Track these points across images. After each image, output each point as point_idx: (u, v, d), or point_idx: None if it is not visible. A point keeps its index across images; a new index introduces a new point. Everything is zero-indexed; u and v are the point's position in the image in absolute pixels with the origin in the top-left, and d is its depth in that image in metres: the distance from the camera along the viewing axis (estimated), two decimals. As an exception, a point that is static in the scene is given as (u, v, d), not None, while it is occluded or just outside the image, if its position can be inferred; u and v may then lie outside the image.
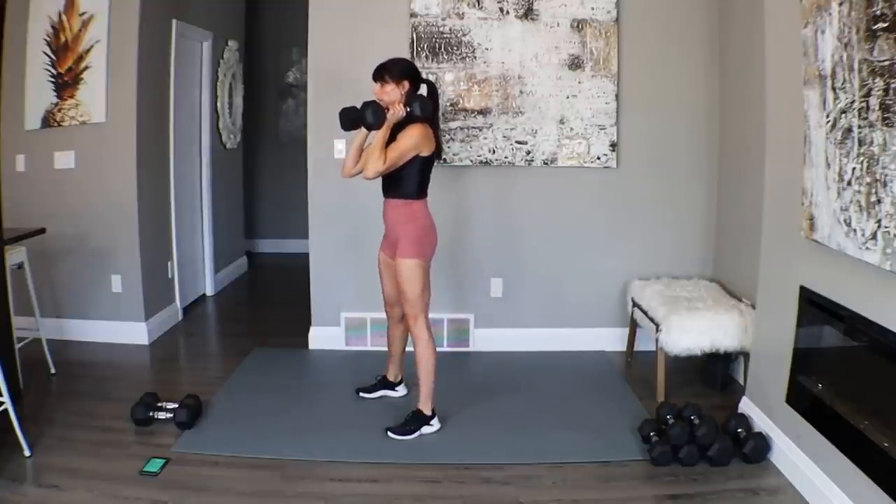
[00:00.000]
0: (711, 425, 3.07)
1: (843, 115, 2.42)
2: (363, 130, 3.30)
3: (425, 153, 3.22)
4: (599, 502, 2.78)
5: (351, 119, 3.26)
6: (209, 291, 5.86)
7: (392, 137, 3.19)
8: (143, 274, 4.54)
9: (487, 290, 4.44)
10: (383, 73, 3.24)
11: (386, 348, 3.73)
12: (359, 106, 3.24)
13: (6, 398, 2.96)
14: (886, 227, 2.19)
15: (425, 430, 3.31)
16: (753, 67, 3.67)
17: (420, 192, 3.31)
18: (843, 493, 2.50)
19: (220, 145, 6.05)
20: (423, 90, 3.33)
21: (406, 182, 3.27)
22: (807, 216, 2.70)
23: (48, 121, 4.44)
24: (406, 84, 3.23)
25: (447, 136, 4.27)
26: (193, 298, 5.53)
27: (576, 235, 4.43)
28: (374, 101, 3.21)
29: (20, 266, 3.88)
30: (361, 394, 3.73)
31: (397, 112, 3.18)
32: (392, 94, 3.22)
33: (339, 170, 4.19)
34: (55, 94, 4.42)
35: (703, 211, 4.42)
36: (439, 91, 4.20)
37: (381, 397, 3.73)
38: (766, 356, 3.19)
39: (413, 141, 3.16)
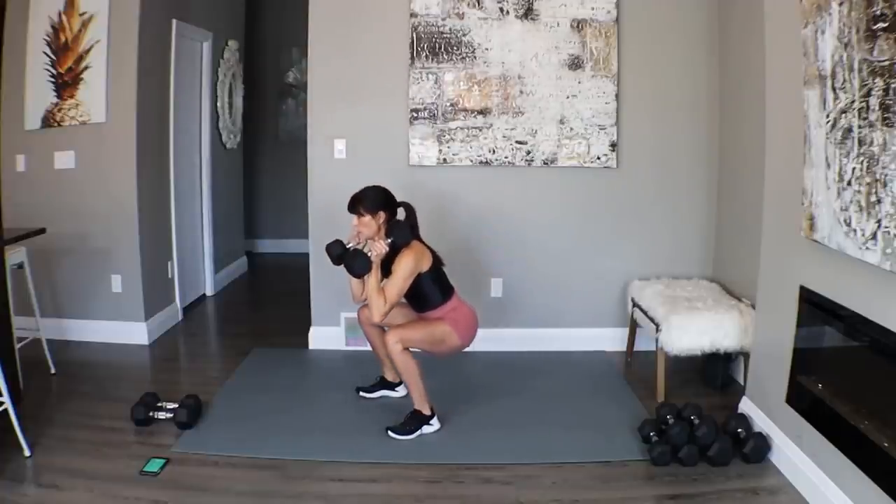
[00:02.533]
0: (711, 425, 3.07)
1: (843, 115, 2.42)
2: None
3: (425, 268, 3.26)
4: (599, 502, 2.78)
5: (337, 255, 3.29)
6: (209, 291, 5.86)
7: (387, 265, 3.23)
8: (143, 274, 4.54)
9: (487, 290, 4.44)
10: (357, 205, 3.27)
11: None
12: (343, 242, 3.29)
13: (6, 398, 2.96)
14: (886, 227, 2.19)
15: (425, 429, 3.31)
16: (753, 67, 3.67)
17: (445, 294, 3.36)
18: (843, 494, 2.50)
19: (220, 145, 6.05)
20: (401, 213, 3.36)
21: (428, 296, 3.34)
22: (807, 216, 2.70)
23: (48, 121, 4.44)
24: (382, 215, 3.26)
25: (447, 136, 4.27)
26: (193, 298, 5.53)
27: (576, 235, 4.43)
28: (356, 251, 3.23)
29: (20, 266, 3.88)
30: (361, 394, 3.73)
31: (380, 249, 3.20)
32: (370, 226, 3.25)
33: (338, 170, 4.21)
34: (55, 94, 4.42)
35: (703, 211, 4.42)
36: (439, 91, 4.23)
37: (380, 397, 3.73)
38: (766, 356, 3.19)
39: (408, 269, 3.19)
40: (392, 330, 3.23)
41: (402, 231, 3.26)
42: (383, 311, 3.18)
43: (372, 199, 3.28)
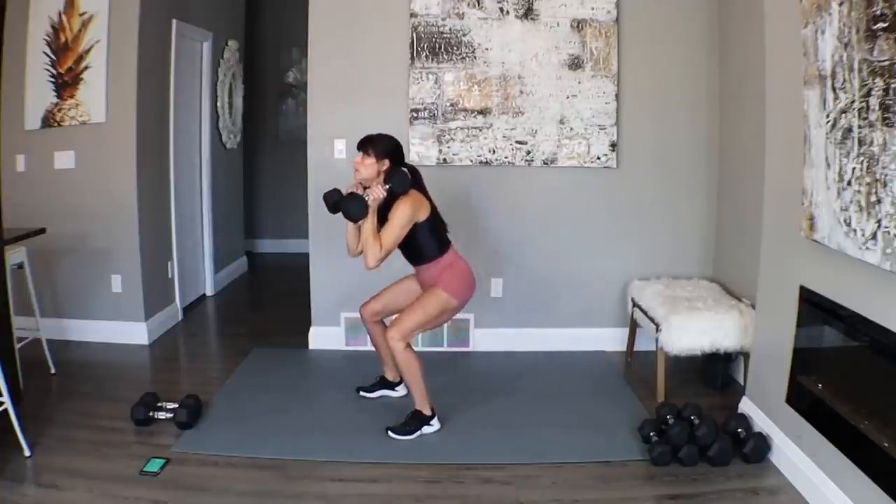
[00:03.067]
0: (711, 425, 3.07)
1: (843, 115, 2.42)
2: None
3: (423, 218, 3.22)
4: (599, 502, 2.78)
5: (333, 202, 3.25)
6: (209, 291, 5.86)
7: (383, 214, 3.19)
8: (143, 274, 4.54)
9: (487, 290, 4.44)
10: (367, 145, 3.23)
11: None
12: (340, 190, 3.25)
13: (6, 398, 2.96)
14: (886, 227, 2.19)
15: (425, 430, 3.31)
16: (753, 67, 3.67)
17: (441, 247, 3.32)
18: (843, 494, 2.50)
19: (220, 145, 6.05)
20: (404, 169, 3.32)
21: (424, 247, 3.30)
22: (807, 216, 2.70)
23: (48, 121, 4.44)
24: (386, 163, 3.23)
25: (447, 136, 4.27)
26: (193, 298, 5.53)
27: (576, 235, 4.43)
28: (352, 195, 3.19)
29: (20, 266, 3.88)
30: (361, 393, 3.73)
31: (377, 194, 3.16)
32: (370, 169, 3.21)
33: (338, 170, 4.20)
34: (55, 94, 4.42)
35: (703, 211, 4.42)
36: (439, 91, 4.23)
37: (380, 397, 3.73)
38: (766, 356, 3.19)
39: (405, 216, 3.15)
40: (392, 326, 3.23)
41: (402, 179, 3.19)
42: (378, 257, 3.12)
43: (383, 145, 3.24)
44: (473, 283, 3.37)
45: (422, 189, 3.32)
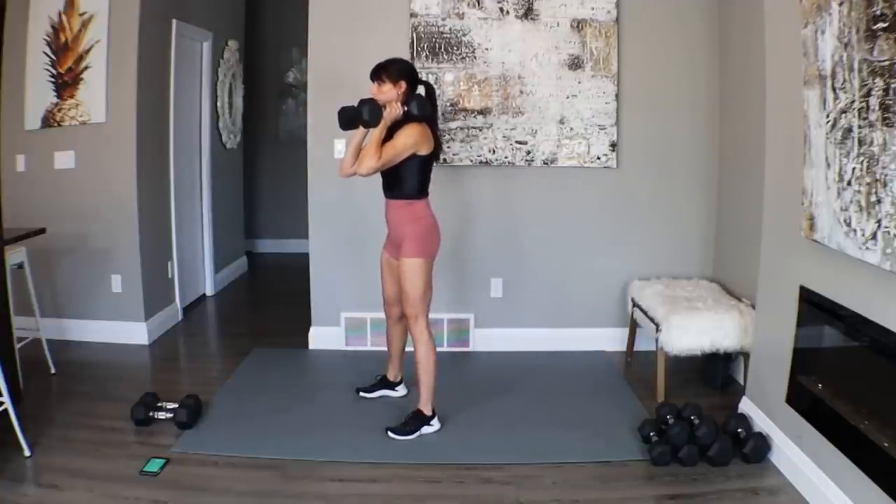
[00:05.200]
0: (711, 425, 3.07)
1: (843, 115, 2.42)
2: (362, 129, 3.29)
3: (423, 152, 3.22)
4: (599, 502, 2.78)
5: (348, 117, 3.26)
6: (209, 291, 5.86)
7: (390, 137, 3.19)
8: (143, 274, 4.54)
9: (487, 290, 4.44)
10: (380, 72, 3.23)
11: (385, 348, 3.73)
12: (357, 105, 3.24)
13: (6, 398, 2.96)
14: (886, 227, 2.19)
15: (425, 430, 3.31)
16: (753, 67, 3.67)
17: (421, 191, 3.31)
18: (843, 494, 2.50)
19: (220, 145, 6.05)
20: (422, 91, 3.33)
21: (406, 182, 3.27)
22: (807, 216, 2.70)
23: (48, 121, 4.44)
24: (403, 84, 3.23)
25: (447, 136, 4.27)
26: (193, 298, 5.53)
27: (576, 235, 4.43)
28: (371, 99, 3.22)
29: (20, 266, 3.88)
30: (361, 393, 3.73)
31: (394, 111, 3.18)
32: (389, 94, 3.22)
33: (338, 170, 4.19)
34: (55, 94, 4.42)
35: (703, 211, 4.42)
36: (439, 91, 4.22)
37: (380, 397, 3.73)
38: (766, 356, 3.19)
39: (410, 140, 3.16)
40: (405, 314, 3.29)
41: (422, 103, 3.20)
42: (373, 167, 3.12)
43: (396, 67, 3.24)
44: (438, 237, 3.36)
45: (434, 117, 3.33)
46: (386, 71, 3.23)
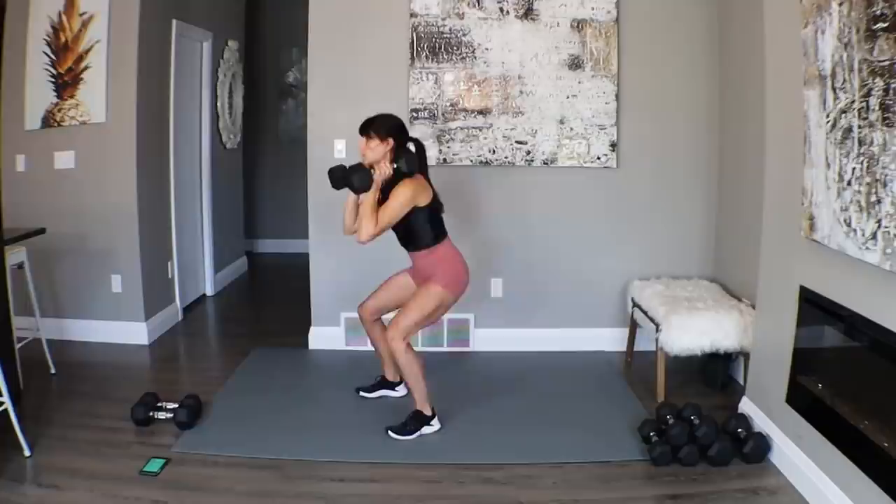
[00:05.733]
0: (711, 425, 3.07)
1: (843, 115, 2.42)
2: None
3: (423, 203, 3.21)
4: (599, 502, 2.78)
5: (338, 178, 3.25)
6: (209, 291, 5.86)
7: (385, 195, 3.18)
8: (143, 274, 4.54)
9: (487, 290, 4.44)
10: (369, 128, 3.22)
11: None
12: (346, 165, 3.24)
13: (6, 398, 2.96)
14: (886, 227, 2.19)
15: (425, 430, 3.31)
16: (753, 67, 3.67)
17: (437, 237, 3.31)
18: (843, 494, 2.50)
19: (220, 145, 6.05)
20: (411, 147, 3.31)
21: (419, 233, 3.28)
22: (807, 216, 2.70)
23: (48, 121, 4.44)
24: (391, 141, 3.21)
25: (447, 136, 4.27)
26: (193, 298, 5.53)
27: (576, 235, 4.43)
28: (359, 165, 3.19)
29: (20, 266, 3.87)
30: (361, 393, 3.73)
31: (383, 172, 3.16)
32: (376, 151, 3.20)
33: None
34: (55, 94, 4.42)
35: (703, 211, 4.42)
36: (439, 91, 4.23)
37: (380, 397, 3.73)
38: (766, 356, 3.19)
39: (404, 197, 3.14)
40: (391, 326, 3.23)
41: (410, 162, 3.19)
42: (372, 233, 3.10)
43: (384, 124, 3.23)
44: (468, 276, 3.37)
45: (425, 172, 3.32)
46: (375, 127, 3.21)
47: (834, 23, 2.46)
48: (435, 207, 3.29)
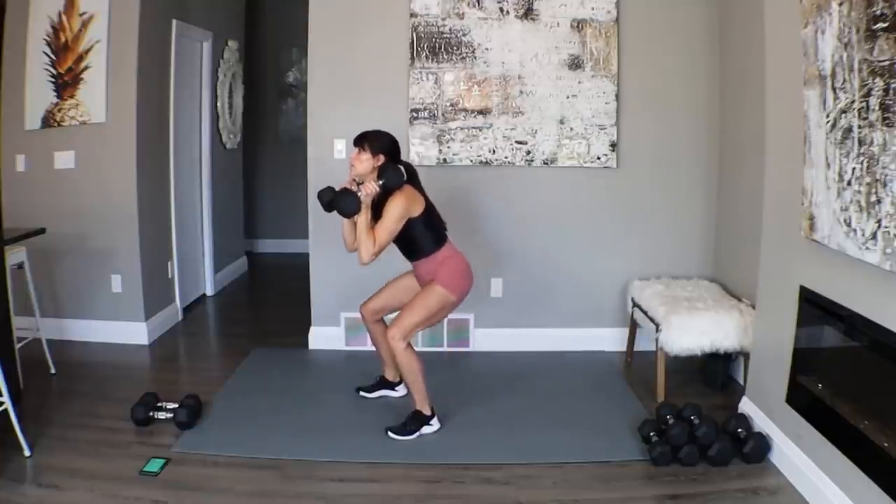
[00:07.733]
0: (711, 425, 3.07)
1: (843, 115, 2.42)
2: None
3: (417, 212, 3.21)
4: (599, 502, 2.78)
5: (327, 201, 3.25)
6: (209, 291, 5.86)
7: (378, 211, 3.18)
8: (143, 274, 4.54)
9: (487, 290, 4.44)
10: (363, 141, 3.23)
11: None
12: (334, 188, 3.25)
13: (6, 398, 2.96)
14: (886, 227, 2.19)
15: (425, 430, 3.31)
16: (753, 67, 3.67)
17: (437, 242, 3.31)
18: (843, 494, 2.50)
19: (220, 145, 6.05)
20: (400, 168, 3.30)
21: (419, 243, 3.29)
22: (807, 216, 2.71)
23: (48, 121, 4.44)
24: (381, 158, 3.22)
25: (447, 136, 4.27)
26: (193, 298, 5.53)
27: (576, 235, 4.43)
28: (344, 190, 3.20)
29: (20, 266, 3.87)
30: (361, 393, 3.73)
31: (370, 192, 3.16)
32: (365, 164, 3.20)
33: (338, 170, 4.20)
34: (55, 94, 4.42)
35: (703, 211, 4.42)
36: (439, 91, 4.23)
37: (380, 397, 3.73)
38: (766, 356, 3.19)
39: (397, 212, 3.14)
40: (392, 326, 3.23)
41: (395, 174, 3.19)
42: (372, 253, 3.12)
43: (379, 141, 3.23)
44: (471, 278, 3.37)
45: (417, 185, 3.32)
46: (370, 142, 3.22)
47: (834, 23, 2.46)
48: (430, 215, 3.28)
